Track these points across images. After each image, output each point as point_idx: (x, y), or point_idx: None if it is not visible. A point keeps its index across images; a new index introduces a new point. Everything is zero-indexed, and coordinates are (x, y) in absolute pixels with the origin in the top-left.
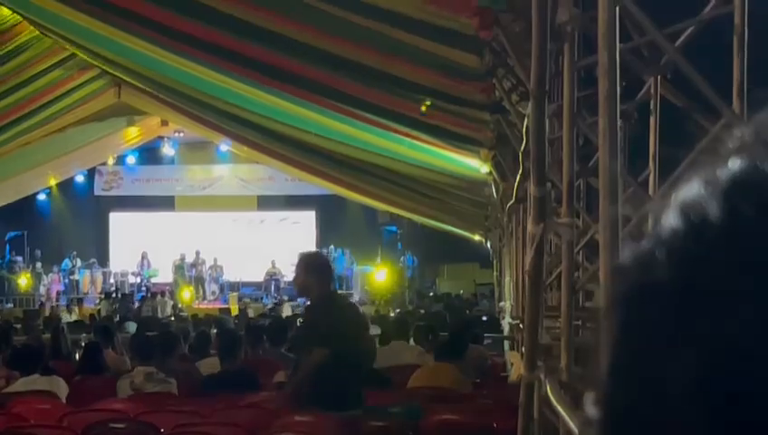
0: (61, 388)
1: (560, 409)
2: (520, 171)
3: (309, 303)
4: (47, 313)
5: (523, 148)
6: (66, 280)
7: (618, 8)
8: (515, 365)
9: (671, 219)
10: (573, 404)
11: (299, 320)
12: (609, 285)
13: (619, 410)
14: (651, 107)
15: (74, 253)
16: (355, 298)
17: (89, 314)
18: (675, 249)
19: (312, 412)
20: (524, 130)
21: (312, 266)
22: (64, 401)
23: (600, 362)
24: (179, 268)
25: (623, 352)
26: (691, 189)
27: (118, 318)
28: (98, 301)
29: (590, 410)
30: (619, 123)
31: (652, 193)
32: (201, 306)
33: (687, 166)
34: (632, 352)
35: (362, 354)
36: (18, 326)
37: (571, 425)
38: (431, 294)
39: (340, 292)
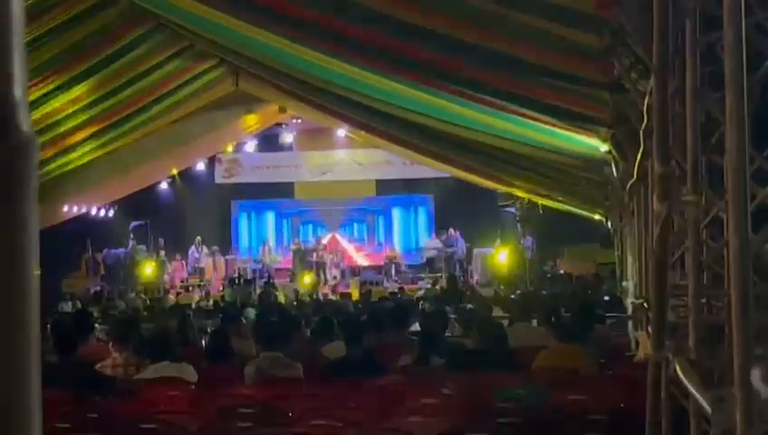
0: (190, 374)
1: (690, 388)
2: (640, 150)
3: None
4: (173, 300)
5: (643, 126)
6: (190, 267)
7: None
8: (642, 345)
9: None
10: (702, 383)
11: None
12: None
13: None
14: None
15: (199, 239)
16: (475, 280)
17: (213, 300)
18: None
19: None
20: (645, 108)
21: None
22: (194, 387)
23: None
24: (300, 254)
25: None
26: None
27: (240, 304)
28: (222, 287)
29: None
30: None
31: None
32: (323, 291)
33: None
34: None
35: None
36: (145, 314)
37: (703, 403)
38: (549, 275)
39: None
